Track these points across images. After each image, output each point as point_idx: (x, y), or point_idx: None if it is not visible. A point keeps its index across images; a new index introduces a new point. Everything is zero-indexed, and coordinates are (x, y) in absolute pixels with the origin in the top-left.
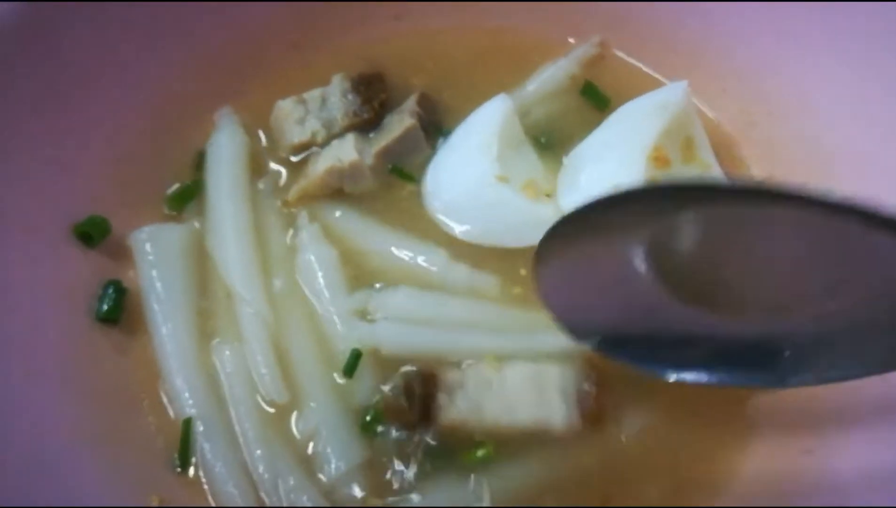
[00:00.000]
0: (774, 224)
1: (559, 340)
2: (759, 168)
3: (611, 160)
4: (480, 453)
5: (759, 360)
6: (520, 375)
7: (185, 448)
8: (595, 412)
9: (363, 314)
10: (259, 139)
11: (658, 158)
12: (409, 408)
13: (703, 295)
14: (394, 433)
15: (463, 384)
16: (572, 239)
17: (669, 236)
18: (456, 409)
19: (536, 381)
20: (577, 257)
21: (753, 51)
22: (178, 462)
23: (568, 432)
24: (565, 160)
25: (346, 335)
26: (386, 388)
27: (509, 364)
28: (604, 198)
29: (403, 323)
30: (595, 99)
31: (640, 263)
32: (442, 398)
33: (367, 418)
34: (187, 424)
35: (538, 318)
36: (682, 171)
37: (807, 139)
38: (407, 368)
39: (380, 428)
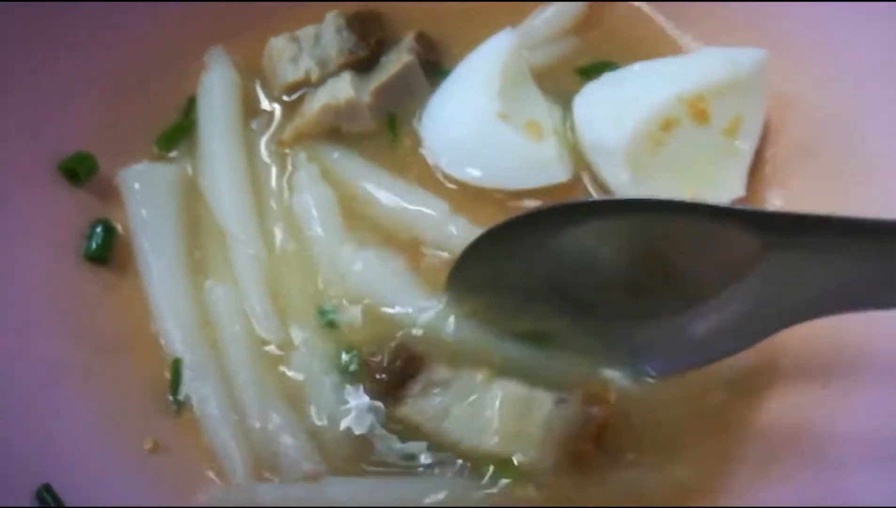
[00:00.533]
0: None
1: (568, 365)
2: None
3: (642, 83)
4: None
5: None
6: (508, 395)
7: (175, 389)
8: (584, 455)
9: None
10: (252, 79)
11: (695, 108)
12: (383, 377)
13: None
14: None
15: (446, 385)
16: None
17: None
18: (419, 408)
19: (522, 408)
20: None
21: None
22: (172, 403)
23: (535, 469)
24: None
25: (341, 280)
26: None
27: (501, 381)
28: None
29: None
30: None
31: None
32: (415, 388)
33: (348, 366)
34: (177, 364)
35: None
36: (711, 139)
37: (825, 80)
38: (400, 340)
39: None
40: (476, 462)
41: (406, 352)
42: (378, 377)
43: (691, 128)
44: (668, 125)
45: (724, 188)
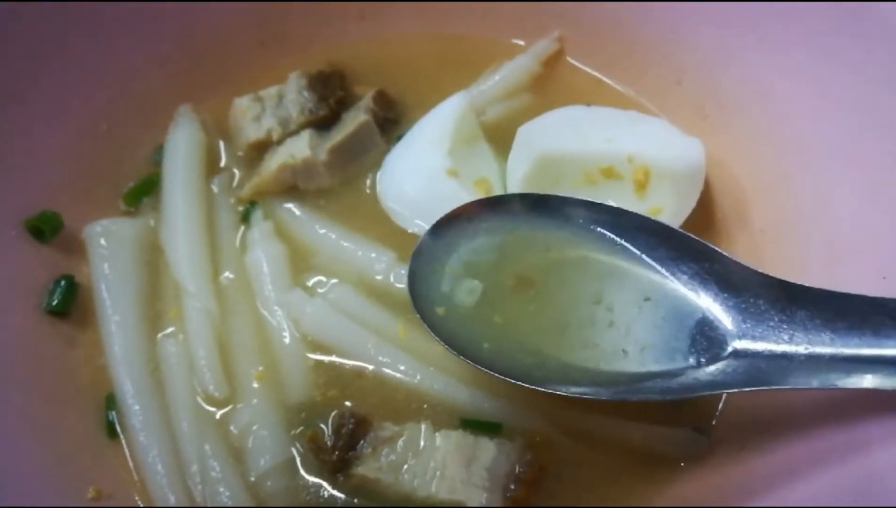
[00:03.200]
0: None
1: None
2: (714, 160)
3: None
4: None
5: None
6: (453, 444)
7: (112, 431)
8: (522, 498)
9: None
10: (217, 137)
11: (639, 175)
12: (331, 449)
13: None
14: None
15: (393, 441)
16: None
17: None
18: (375, 464)
19: (467, 454)
20: None
21: (706, 46)
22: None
23: None
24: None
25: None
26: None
27: (446, 432)
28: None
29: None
30: None
31: None
32: (366, 448)
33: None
34: (110, 399)
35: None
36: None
37: (760, 130)
38: (346, 405)
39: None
40: None
41: (351, 418)
42: (328, 448)
43: (624, 189)
44: (609, 173)
45: None
